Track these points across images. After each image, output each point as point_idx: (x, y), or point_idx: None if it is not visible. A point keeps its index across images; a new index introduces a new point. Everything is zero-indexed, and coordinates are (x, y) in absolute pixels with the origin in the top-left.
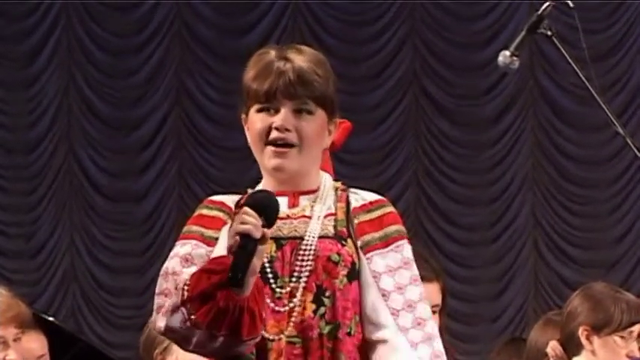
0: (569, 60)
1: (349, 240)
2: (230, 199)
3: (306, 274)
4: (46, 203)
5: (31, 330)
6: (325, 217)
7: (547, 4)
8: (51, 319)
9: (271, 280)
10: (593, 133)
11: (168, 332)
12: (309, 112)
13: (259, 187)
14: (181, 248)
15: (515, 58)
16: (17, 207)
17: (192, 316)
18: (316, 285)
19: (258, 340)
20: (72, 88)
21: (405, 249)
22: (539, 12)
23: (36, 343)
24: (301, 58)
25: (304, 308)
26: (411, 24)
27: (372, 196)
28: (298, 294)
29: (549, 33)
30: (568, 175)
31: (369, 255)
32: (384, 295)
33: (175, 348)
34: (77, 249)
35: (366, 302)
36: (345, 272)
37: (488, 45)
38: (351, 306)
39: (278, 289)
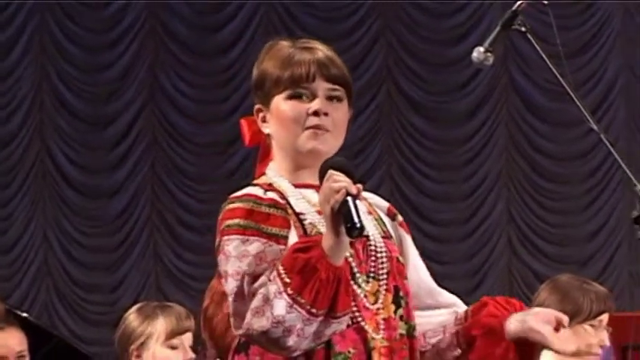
0: (543, 56)
1: (392, 239)
2: (272, 194)
3: (385, 275)
4: (20, 199)
5: (9, 326)
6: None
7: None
8: (25, 314)
9: (357, 277)
10: (566, 129)
11: (274, 326)
12: (339, 100)
13: (271, 177)
14: (250, 246)
15: (489, 54)
16: None
17: (299, 297)
18: (394, 286)
19: (347, 318)
20: (45, 83)
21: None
22: (514, 8)
23: (14, 339)
24: (323, 47)
25: (385, 309)
26: (385, 20)
27: (377, 198)
28: (380, 295)
29: (523, 29)
30: (542, 171)
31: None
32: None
33: (152, 344)
34: (50, 244)
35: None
36: (406, 272)
37: (462, 41)
38: (412, 304)
39: (362, 286)
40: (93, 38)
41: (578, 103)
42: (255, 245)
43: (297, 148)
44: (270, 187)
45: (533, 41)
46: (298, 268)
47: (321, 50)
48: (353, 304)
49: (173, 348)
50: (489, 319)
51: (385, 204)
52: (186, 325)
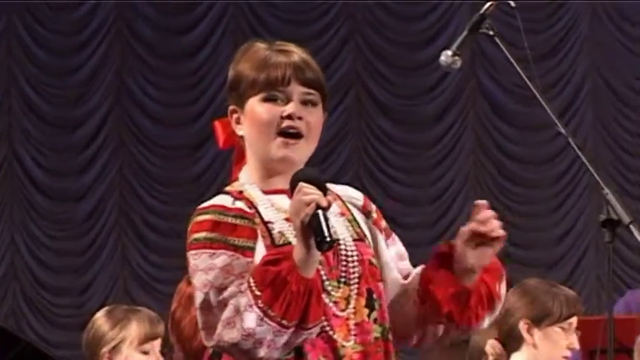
0: (511, 59)
1: (366, 240)
2: (231, 200)
3: (356, 279)
4: None
5: None
6: (339, 216)
7: (489, 3)
8: None
9: (326, 284)
10: (534, 133)
11: (244, 339)
12: (314, 104)
13: (243, 184)
14: (217, 259)
15: (457, 57)
16: None
17: (269, 310)
18: (366, 289)
19: (318, 329)
20: (13, 86)
21: (396, 239)
22: (481, 11)
23: None
24: (299, 50)
25: (356, 313)
26: (353, 23)
27: (357, 192)
28: (352, 300)
29: (491, 32)
30: (509, 174)
31: (390, 240)
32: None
33: (124, 348)
34: (17, 248)
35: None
36: (379, 273)
37: (430, 44)
38: (386, 307)
39: (332, 294)
40: (60, 41)
41: (545, 106)
42: (221, 258)
43: (268, 154)
44: (240, 194)
45: (500, 45)
46: (269, 281)
47: (297, 53)
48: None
49: (145, 353)
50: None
51: (360, 198)
52: (159, 331)
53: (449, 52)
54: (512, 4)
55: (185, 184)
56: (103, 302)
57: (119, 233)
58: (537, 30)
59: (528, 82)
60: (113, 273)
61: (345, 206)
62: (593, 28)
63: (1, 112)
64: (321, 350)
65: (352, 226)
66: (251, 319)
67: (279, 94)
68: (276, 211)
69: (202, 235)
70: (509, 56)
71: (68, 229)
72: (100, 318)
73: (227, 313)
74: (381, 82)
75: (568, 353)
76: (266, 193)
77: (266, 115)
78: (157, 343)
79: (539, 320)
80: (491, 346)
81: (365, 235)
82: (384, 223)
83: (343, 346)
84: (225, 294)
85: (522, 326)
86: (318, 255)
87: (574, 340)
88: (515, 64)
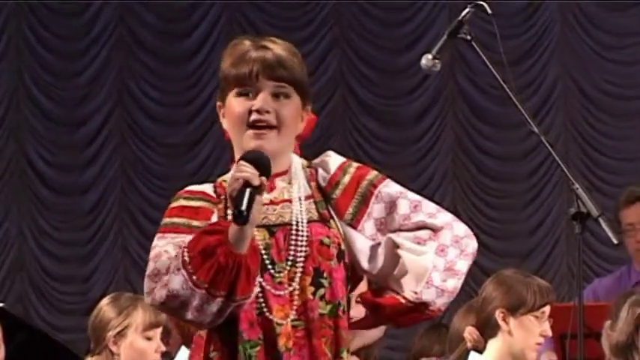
0: (487, 63)
1: (332, 221)
2: (209, 187)
3: (302, 258)
4: None
5: None
6: (305, 199)
7: (467, 10)
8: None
9: (269, 267)
10: (509, 131)
11: (170, 299)
12: (287, 96)
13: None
14: (173, 240)
15: (436, 61)
16: None
17: (194, 276)
18: (313, 268)
19: (249, 301)
20: (21, 88)
21: (384, 193)
22: (460, 18)
23: None
24: (278, 47)
25: (303, 291)
26: (340, 29)
27: (333, 166)
28: (297, 278)
29: (469, 38)
30: (486, 170)
31: (359, 226)
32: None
33: (130, 333)
34: (25, 238)
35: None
36: (335, 253)
37: (412, 49)
38: (342, 285)
39: (277, 274)
40: (66, 46)
41: (519, 107)
42: (177, 239)
43: (243, 146)
44: (220, 183)
45: (477, 49)
46: (199, 249)
47: (273, 49)
48: (260, 294)
49: (148, 339)
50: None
51: (324, 180)
52: (162, 319)
53: (429, 56)
54: (489, 11)
55: (182, 179)
56: (105, 290)
57: (120, 225)
58: (512, 35)
59: (504, 84)
60: (114, 262)
61: (317, 190)
62: (564, 34)
63: (10, 112)
64: (261, 329)
65: (317, 207)
66: (177, 281)
67: (249, 88)
68: None
69: (167, 220)
70: (485, 60)
71: (72, 220)
72: (106, 305)
73: (151, 284)
74: (366, 83)
75: (541, 340)
76: None
77: (237, 109)
78: (158, 331)
79: (514, 309)
80: (469, 332)
81: (330, 217)
82: (352, 206)
83: (279, 324)
84: (165, 257)
85: (498, 315)
86: (248, 232)
87: (547, 328)
88: (491, 67)
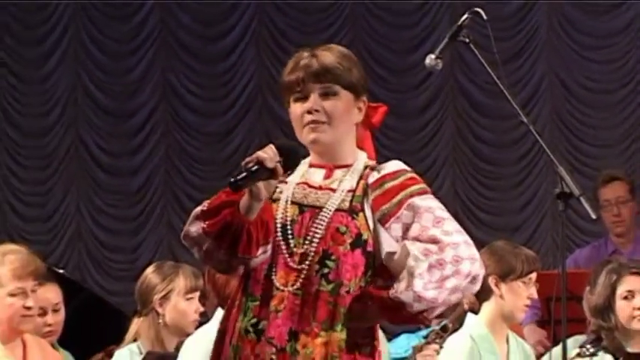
0: (483, 62)
1: (361, 214)
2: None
3: (317, 240)
4: (57, 177)
5: (47, 282)
6: (348, 192)
7: (465, 16)
8: (61, 271)
9: (289, 237)
10: (502, 122)
11: (186, 238)
12: (334, 94)
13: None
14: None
15: (439, 60)
16: (34, 180)
17: (204, 225)
18: (323, 250)
19: (256, 261)
20: (79, 84)
21: (416, 203)
22: (459, 23)
23: (51, 293)
24: (327, 54)
25: (310, 268)
26: (355, 33)
27: (389, 169)
28: (309, 257)
29: (467, 40)
30: (481, 155)
31: (387, 224)
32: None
33: (173, 296)
34: (82, 215)
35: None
36: (350, 241)
37: (417, 50)
38: (351, 269)
39: (293, 248)
40: (117, 47)
41: (511, 100)
42: None
43: (304, 141)
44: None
45: (475, 50)
46: (214, 205)
47: (319, 56)
48: (272, 260)
49: (189, 301)
50: None
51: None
52: (200, 284)
53: (432, 56)
54: (484, 17)
55: (218, 163)
56: (151, 259)
57: (164, 203)
58: (504, 38)
59: (497, 81)
60: (159, 235)
61: (363, 185)
62: (550, 37)
63: (69, 105)
64: (262, 289)
65: (352, 200)
66: (194, 227)
67: (299, 94)
68: (298, 176)
69: None
70: (481, 59)
71: (123, 199)
72: (152, 272)
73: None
74: (377, 80)
75: (528, 302)
76: (311, 166)
77: (294, 113)
78: (197, 294)
79: (505, 276)
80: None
81: (360, 209)
82: (386, 206)
83: (277, 289)
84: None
85: (491, 281)
86: (255, 205)
87: (533, 292)
88: (486, 66)
